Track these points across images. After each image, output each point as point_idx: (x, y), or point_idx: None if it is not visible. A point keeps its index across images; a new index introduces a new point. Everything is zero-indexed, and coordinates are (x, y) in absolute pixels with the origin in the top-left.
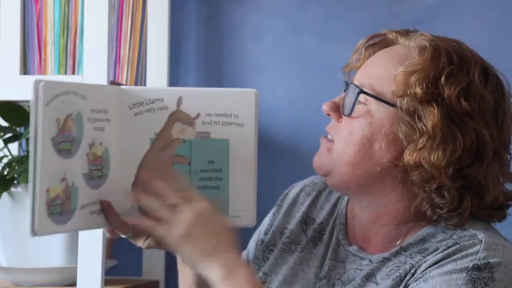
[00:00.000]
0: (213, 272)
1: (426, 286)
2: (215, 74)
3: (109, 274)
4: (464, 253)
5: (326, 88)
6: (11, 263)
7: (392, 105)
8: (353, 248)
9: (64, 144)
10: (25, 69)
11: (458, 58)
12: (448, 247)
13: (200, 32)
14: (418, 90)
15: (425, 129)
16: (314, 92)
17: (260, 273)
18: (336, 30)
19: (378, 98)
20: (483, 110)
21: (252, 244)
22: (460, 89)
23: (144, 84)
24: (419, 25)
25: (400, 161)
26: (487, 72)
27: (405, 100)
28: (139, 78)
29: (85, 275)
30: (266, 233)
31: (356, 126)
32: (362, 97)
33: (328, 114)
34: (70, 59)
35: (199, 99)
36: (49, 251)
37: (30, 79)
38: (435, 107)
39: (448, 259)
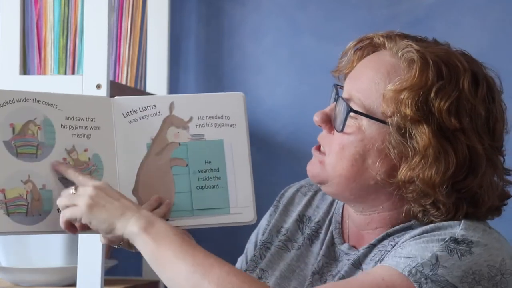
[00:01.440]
0: (132, 226)
1: (403, 251)
2: (215, 74)
3: (109, 274)
4: (442, 231)
5: (326, 88)
6: (11, 263)
7: (383, 122)
8: (344, 246)
9: (25, 148)
10: (25, 69)
11: (447, 69)
12: (427, 226)
13: (200, 32)
14: (408, 111)
15: (417, 148)
16: (314, 92)
17: (258, 270)
18: (336, 30)
19: (368, 116)
20: (474, 122)
21: (250, 246)
22: (450, 104)
23: (145, 84)
24: (419, 25)
25: (393, 178)
26: (477, 79)
27: (395, 119)
28: (139, 78)
29: (85, 275)
30: (263, 234)
31: (348, 142)
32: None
33: (320, 125)
34: (70, 59)
35: (190, 103)
36: (49, 251)
37: (30, 79)
38: (425, 126)
39: (426, 234)
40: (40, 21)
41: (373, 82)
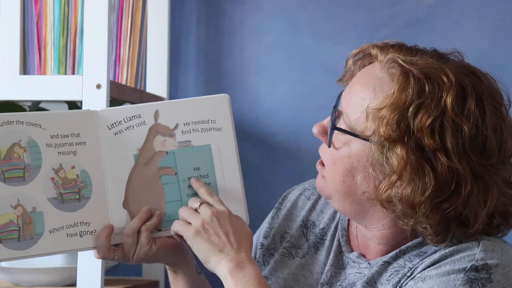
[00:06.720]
0: (222, 266)
1: (424, 286)
2: (215, 74)
3: (109, 274)
4: (462, 254)
5: (326, 88)
6: (11, 263)
7: (366, 139)
8: (353, 255)
9: (13, 172)
10: (25, 69)
11: (431, 86)
12: (446, 248)
13: (200, 32)
14: (385, 130)
15: (393, 167)
16: (314, 92)
17: None
18: (336, 30)
19: (351, 133)
20: (458, 141)
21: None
22: (431, 122)
23: (145, 84)
24: (419, 25)
25: (378, 195)
26: (465, 95)
27: (376, 137)
28: (139, 78)
29: (85, 275)
30: (265, 237)
31: (338, 158)
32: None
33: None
34: (70, 59)
35: (175, 110)
36: None
37: (30, 79)
38: (400, 147)
39: (446, 260)
40: (40, 21)
41: (360, 98)
